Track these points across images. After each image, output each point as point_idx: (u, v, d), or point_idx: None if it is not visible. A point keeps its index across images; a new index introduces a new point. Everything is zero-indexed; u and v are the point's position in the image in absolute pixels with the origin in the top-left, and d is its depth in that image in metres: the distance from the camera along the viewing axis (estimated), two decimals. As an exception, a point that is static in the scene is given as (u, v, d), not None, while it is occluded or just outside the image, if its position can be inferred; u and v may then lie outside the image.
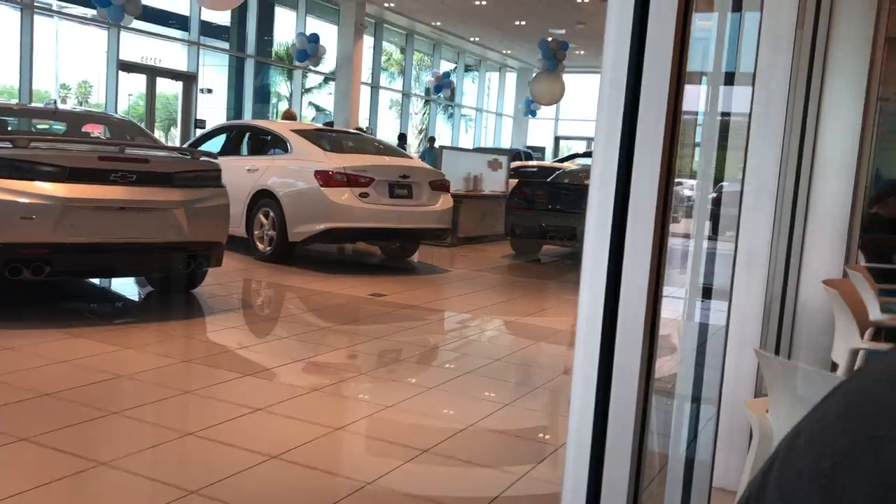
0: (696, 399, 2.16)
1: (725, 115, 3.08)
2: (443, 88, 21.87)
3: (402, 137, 17.57)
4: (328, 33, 17.44)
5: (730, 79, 2.40)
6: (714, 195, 3.62)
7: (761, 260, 2.57)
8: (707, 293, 3.36)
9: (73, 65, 14.37)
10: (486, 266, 9.24)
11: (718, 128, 3.01)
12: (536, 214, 9.65)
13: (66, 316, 5.32)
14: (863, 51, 3.49)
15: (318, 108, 19.87)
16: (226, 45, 17.05)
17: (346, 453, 3.34)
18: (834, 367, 2.76)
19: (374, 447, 3.36)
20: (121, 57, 13.80)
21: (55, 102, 7.28)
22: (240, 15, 16.60)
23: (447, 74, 22.22)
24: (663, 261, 1.37)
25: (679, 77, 1.35)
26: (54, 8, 13.64)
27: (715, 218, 3.59)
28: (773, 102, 2.52)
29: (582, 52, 20.31)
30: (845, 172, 3.49)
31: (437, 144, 16.15)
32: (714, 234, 3.54)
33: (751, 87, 2.48)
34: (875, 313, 3.00)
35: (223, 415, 3.49)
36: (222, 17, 15.98)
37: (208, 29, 16.00)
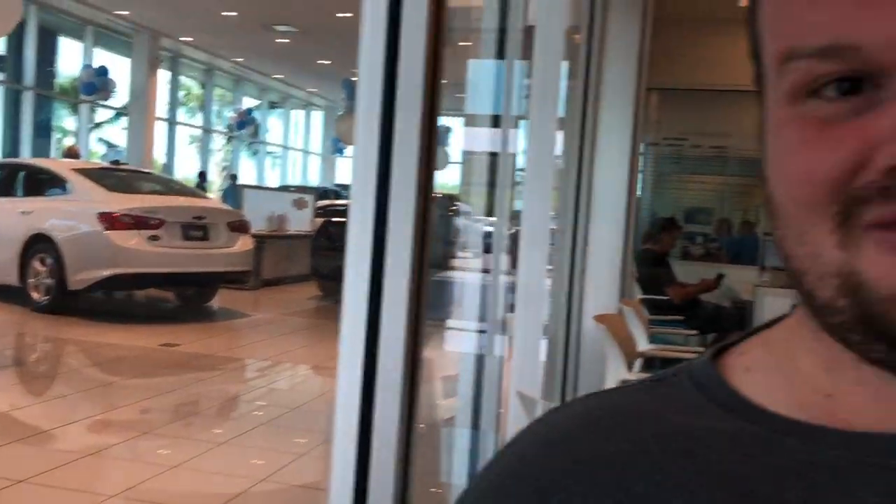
0: (476, 429, 2.19)
1: (506, 155, 3.20)
2: (246, 125, 21.37)
3: (202, 175, 16.91)
4: (120, 66, 16.52)
5: (496, 122, 2.49)
6: (512, 231, 3.75)
7: (538, 295, 2.67)
8: (498, 328, 3.46)
9: None
10: (291, 309, 9.03)
11: (511, 168, 3.13)
12: (342, 254, 9.57)
13: None
14: (627, 102, 3.79)
15: (109, 145, 18.70)
16: (0, 76, 15.65)
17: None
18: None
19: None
20: None
21: None
22: (16, 42, 15.32)
23: (250, 111, 21.75)
24: (423, 300, 1.36)
25: (432, 114, 1.36)
26: None
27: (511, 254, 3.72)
28: (544, 146, 2.64)
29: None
30: (617, 213, 3.75)
31: (238, 182, 15.72)
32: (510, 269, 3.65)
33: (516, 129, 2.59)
34: (643, 344, 3.21)
35: (-24, 490, 3.09)
36: (-5, 46, 14.67)
37: (-20, 58, 14.63)
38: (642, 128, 4.35)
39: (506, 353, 2.74)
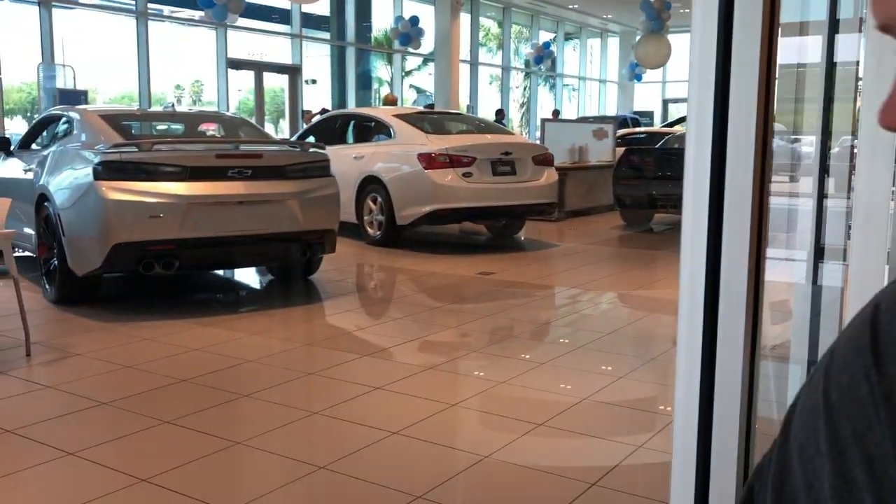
0: (813, 364, 2.10)
1: (834, 65, 2.93)
2: (543, 59, 21.58)
3: (500, 113, 17.44)
4: (424, 14, 17.53)
5: (835, 27, 2.29)
6: (837, 150, 3.46)
7: (882, 216, 2.45)
8: (829, 254, 3.22)
9: (186, 66, 15.09)
10: (596, 239, 9.14)
11: (831, 79, 2.87)
12: (645, 183, 9.45)
13: (196, 307, 5.67)
14: None
15: (418, 90, 20.05)
16: (327, 35, 17.45)
17: (463, 428, 3.43)
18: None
19: (490, 422, 3.44)
20: (229, 55, 14.39)
21: (172, 105, 7.70)
22: (338, 4, 16.94)
23: (547, 45, 21.89)
24: (765, 221, 1.35)
25: (772, 26, 1.32)
26: (165, 13, 14.35)
27: (836, 175, 3.44)
28: (886, 49, 2.38)
29: (686, 11, 19.57)
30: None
31: (543, 117, 15.88)
32: (836, 192, 3.39)
33: (858, 33, 2.36)
34: None
35: (345, 394, 3.65)
36: (321, 8, 16.34)
37: (309, 20, 16.41)
38: None
39: (843, 282, 2.57)
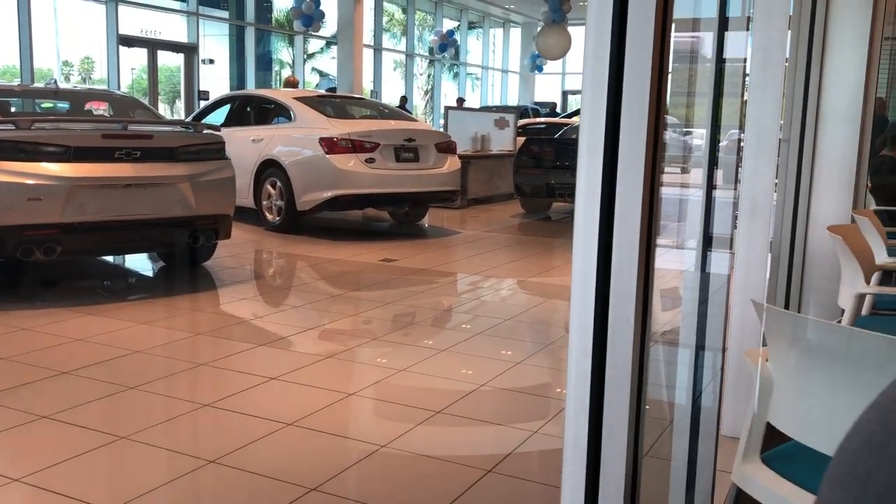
0: (701, 349, 2.18)
1: (723, 61, 3.03)
2: (447, 47, 21.61)
3: (403, 100, 17.38)
4: (327, -4, 17.22)
5: (724, 24, 2.36)
6: (725, 143, 3.59)
7: (765, 209, 2.55)
8: (715, 243, 3.34)
9: (74, 41, 14.31)
10: (497, 226, 9.23)
11: (720, 75, 2.97)
12: (544, 172, 9.61)
13: (79, 295, 5.38)
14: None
15: (321, 74, 19.73)
16: (225, 14, 16.90)
17: (360, 418, 3.39)
18: (841, 312, 2.76)
19: (387, 410, 3.40)
20: (120, 31, 13.72)
21: (55, 81, 7.26)
22: (238, -17, 16.43)
23: (451, 33, 21.93)
24: (656, 209, 1.36)
25: (665, 20, 1.33)
26: (51, -15, 13.55)
27: (725, 167, 3.56)
28: (771, 48, 2.48)
29: (586, 3, 19.93)
30: (851, 116, 3.44)
31: (447, 104, 15.90)
32: (725, 184, 3.51)
33: (745, 31, 2.44)
34: (882, 257, 2.98)
35: (238, 385, 3.54)
36: (220, -14, 15.80)
37: (207, -1, 15.85)
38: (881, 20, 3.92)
39: (728, 270, 2.67)
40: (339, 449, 2.93)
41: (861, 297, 2.65)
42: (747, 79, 2.61)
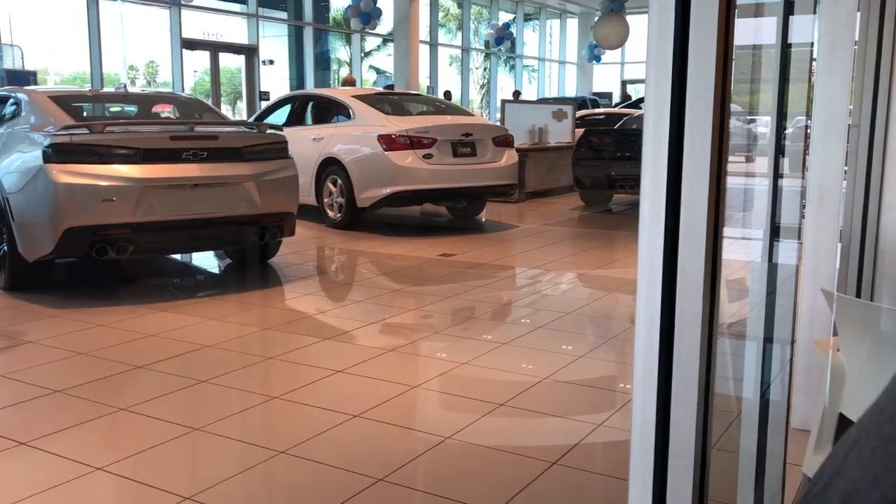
0: (769, 341, 2.14)
1: (791, 46, 2.96)
2: (503, 40, 21.53)
3: (447, 95, 17.38)
4: (383, -6, 17.35)
5: (790, 8, 2.31)
6: (791, 130, 3.51)
7: (834, 196, 2.49)
8: (785, 233, 3.27)
9: (140, 46, 14.74)
10: (556, 220, 9.19)
11: (785, 60, 2.90)
12: (604, 164, 9.51)
13: (152, 292, 5.56)
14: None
15: (378, 71, 19.89)
16: (284, 15, 17.18)
17: (424, 410, 3.43)
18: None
19: (451, 403, 3.44)
20: (183, 35, 14.08)
21: (125, 86, 7.50)
22: (294, -18, 16.67)
23: (507, 25, 21.84)
24: (722, 199, 1.36)
25: (729, 7, 1.32)
26: (117, -8, 13.97)
27: (792, 154, 3.48)
28: (839, 31, 2.42)
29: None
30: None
31: (503, 98, 15.83)
32: (791, 172, 3.43)
33: (812, 15, 2.38)
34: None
35: (306, 378, 3.62)
36: (279, -12, 16.07)
37: (266, 0, 16.13)
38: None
39: (797, 259, 2.61)
40: (405, 440, 2.98)
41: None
42: (814, 64, 2.55)
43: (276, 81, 16.15)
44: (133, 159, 5.03)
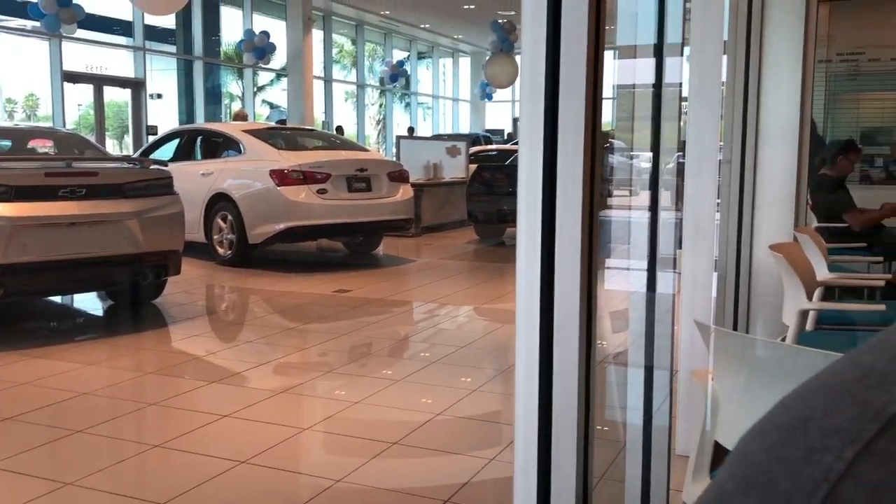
0: (651, 370, 2.20)
1: (667, 86, 3.10)
2: (398, 77, 21.75)
3: (339, 130, 17.41)
4: (276, 29, 17.23)
5: (659, 51, 2.42)
6: (671, 165, 3.66)
7: (707, 228, 2.60)
8: (665, 264, 3.39)
9: (18, 78, 14.06)
10: (451, 253, 9.25)
11: (659, 99, 3.03)
12: (496, 198, 9.67)
13: (25, 337, 5.22)
14: (798, 14, 3.54)
15: (272, 106, 19.66)
16: (172, 49, 16.78)
17: (314, 453, 3.34)
18: (785, 328, 2.82)
19: (342, 444, 3.36)
20: (65, 67, 13.51)
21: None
22: (184, 17, 16.32)
23: (401, 63, 22.08)
24: (595, 235, 1.38)
25: (597, 51, 1.36)
26: (-8, 22, 13.32)
27: (672, 188, 3.63)
28: (707, 72, 2.55)
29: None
30: (789, 136, 3.54)
31: (398, 134, 15.96)
32: (672, 205, 3.57)
33: (679, 57, 2.50)
34: (822, 273, 3.05)
35: (190, 424, 3.46)
36: (167, 21, 15.70)
37: (154, 33, 15.72)
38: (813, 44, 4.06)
39: (675, 289, 2.71)
40: (293, 485, 2.88)
41: (805, 313, 2.71)
42: (684, 103, 2.67)
43: (164, 116, 15.70)
44: (3, 197, 4.74)
